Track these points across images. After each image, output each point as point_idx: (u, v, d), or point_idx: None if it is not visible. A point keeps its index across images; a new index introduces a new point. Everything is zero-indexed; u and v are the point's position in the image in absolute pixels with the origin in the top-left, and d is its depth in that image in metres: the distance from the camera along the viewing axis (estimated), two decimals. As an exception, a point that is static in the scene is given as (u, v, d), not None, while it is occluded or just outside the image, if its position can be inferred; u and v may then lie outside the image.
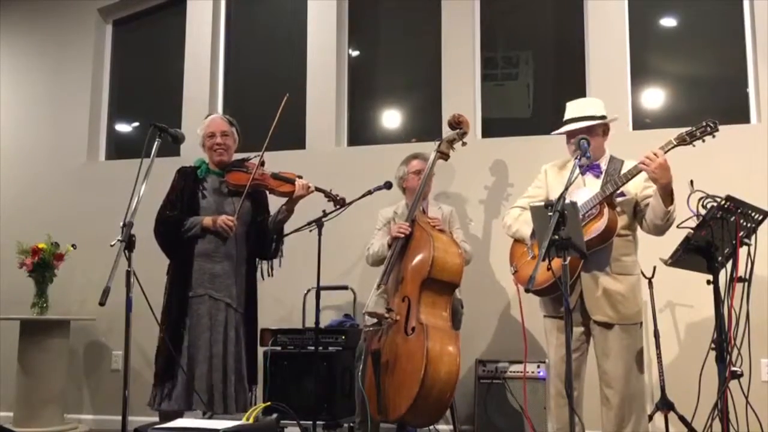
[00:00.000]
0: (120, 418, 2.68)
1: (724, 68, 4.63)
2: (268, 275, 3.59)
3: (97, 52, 5.66)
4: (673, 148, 2.86)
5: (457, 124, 3.91)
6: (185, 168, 3.59)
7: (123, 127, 5.83)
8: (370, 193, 3.97)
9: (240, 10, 5.57)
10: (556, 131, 3.21)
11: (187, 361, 3.29)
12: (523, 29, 5.13)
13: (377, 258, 3.89)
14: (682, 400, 3.59)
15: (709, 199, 2.71)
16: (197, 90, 5.34)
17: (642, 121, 4.66)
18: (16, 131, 5.65)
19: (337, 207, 3.68)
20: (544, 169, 3.34)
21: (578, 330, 3.05)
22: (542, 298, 3.14)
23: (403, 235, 3.63)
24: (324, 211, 3.70)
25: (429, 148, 3.99)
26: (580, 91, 4.60)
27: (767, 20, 4.36)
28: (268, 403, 2.72)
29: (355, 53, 5.30)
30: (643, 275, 3.23)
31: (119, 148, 5.72)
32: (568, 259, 2.52)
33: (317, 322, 3.69)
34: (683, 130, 2.88)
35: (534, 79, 5.01)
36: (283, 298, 4.62)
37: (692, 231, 2.74)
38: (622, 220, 3.01)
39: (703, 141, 2.85)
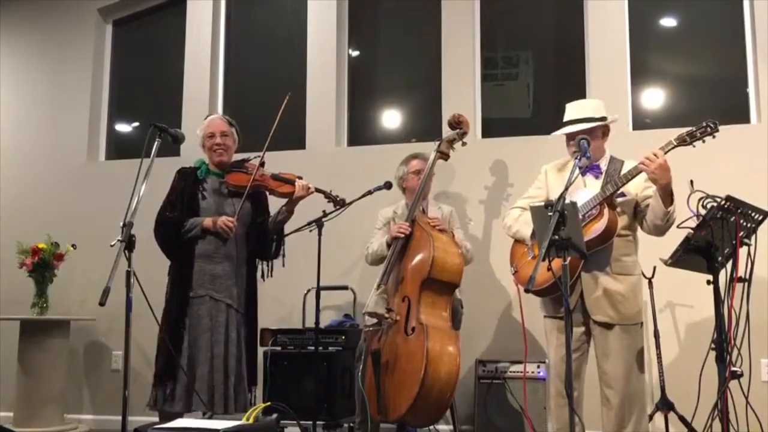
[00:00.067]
0: (120, 418, 2.68)
1: (724, 68, 4.63)
2: (268, 276, 3.59)
3: (97, 52, 5.66)
4: (673, 148, 2.86)
5: (457, 124, 3.91)
6: (185, 169, 3.59)
7: (123, 127, 5.83)
8: (370, 193, 3.97)
9: (240, 10, 5.57)
10: (555, 133, 3.21)
11: (187, 362, 3.29)
12: (523, 29, 5.13)
13: (376, 257, 3.89)
14: (682, 400, 3.59)
15: (709, 199, 2.71)
16: (197, 90, 5.34)
17: (642, 121, 4.66)
18: (16, 131, 5.65)
19: (337, 207, 3.68)
20: (544, 170, 3.35)
21: (578, 330, 3.05)
22: (542, 298, 3.14)
23: (403, 235, 3.63)
24: (324, 211, 3.71)
25: (429, 148, 3.99)
26: (580, 91, 4.60)
27: (767, 20, 4.36)
28: (268, 403, 2.71)
29: (355, 53, 5.30)
30: (643, 275, 3.23)
31: (119, 148, 5.72)
32: (569, 259, 2.53)
33: (317, 322, 3.70)
34: (683, 130, 2.88)
35: (534, 79, 5.01)
36: (283, 298, 4.62)
37: (692, 231, 2.74)
38: (622, 221, 3.01)
39: (704, 141, 2.86)
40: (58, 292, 4.91)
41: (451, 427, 4.13)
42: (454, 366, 3.23)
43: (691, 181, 2.79)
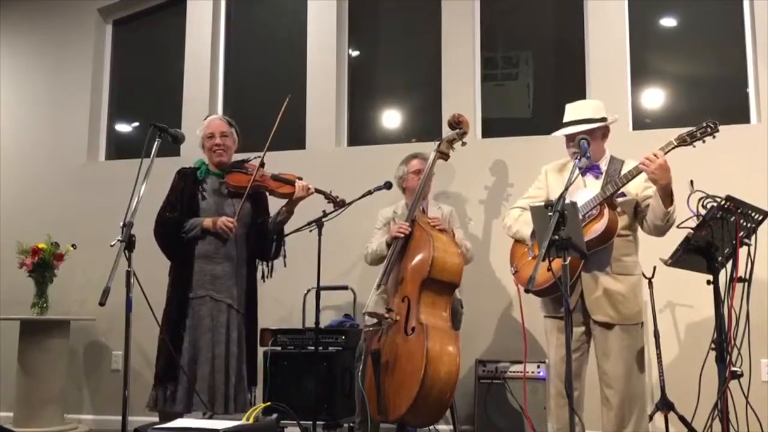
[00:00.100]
0: (120, 418, 2.68)
1: (724, 68, 4.63)
2: (268, 277, 3.59)
3: (97, 52, 5.66)
4: (673, 148, 2.86)
5: (456, 124, 3.91)
6: (185, 169, 3.59)
7: (123, 127, 5.83)
8: (370, 193, 3.97)
9: (240, 10, 5.57)
10: (554, 134, 3.21)
11: (188, 363, 3.29)
12: (523, 29, 5.13)
13: (376, 257, 3.89)
14: (682, 400, 3.59)
15: (709, 199, 2.71)
16: (197, 90, 5.34)
17: (642, 121, 4.66)
18: (16, 131, 5.65)
19: (337, 208, 3.69)
20: (544, 170, 3.35)
21: (579, 330, 3.05)
22: (542, 298, 3.14)
23: (402, 235, 3.63)
24: (324, 211, 3.71)
25: (429, 148, 3.99)
26: (580, 91, 4.60)
27: (767, 20, 4.36)
28: (268, 403, 2.71)
29: (355, 53, 5.30)
30: (644, 275, 3.23)
31: (119, 148, 5.72)
32: (569, 259, 2.53)
33: (317, 322, 3.70)
34: (684, 130, 2.88)
35: (534, 79, 5.01)
36: (283, 299, 4.62)
37: (692, 231, 2.74)
38: (622, 221, 3.01)
39: (704, 142, 2.86)
40: (58, 292, 4.90)
41: (451, 427, 4.13)
42: (454, 366, 3.23)
43: (691, 181, 2.79)
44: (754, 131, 4.29)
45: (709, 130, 2.84)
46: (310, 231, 3.74)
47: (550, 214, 2.51)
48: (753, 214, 2.73)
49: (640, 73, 4.64)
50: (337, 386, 4.09)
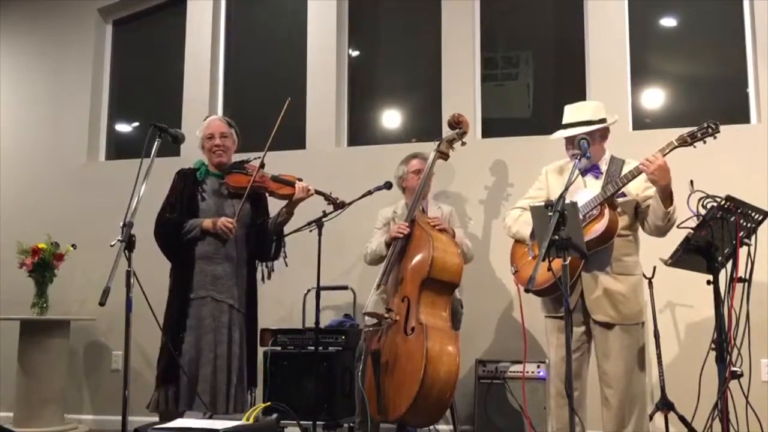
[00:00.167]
0: (120, 418, 2.68)
1: (724, 68, 4.63)
2: (267, 278, 3.59)
3: (97, 52, 5.66)
4: (674, 149, 2.87)
5: (456, 123, 3.91)
6: (185, 170, 3.59)
7: (123, 127, 5.83)
8: (370, 193, 3.97)
9: (240, 10, 5.57)
10: (553, 136, 3.20)
11: (189, 363, 3.29)
12: (523, 29, 5.13)
13: (375, 256, 3.89)
14: (682, 400, 3.59)
15: (709, 199, 2.71)
16: (197, 90, 5.34)
17: (642, 121, 4.66)
18: (16, 131, 5.65)
19: (337, 209, 3.69)
20: (544, 171, 3.35)
21: (579, 330, 3.05)
22: (543, 298, 3.14)
23: (402, 235, 3.63)
24: (324, 211, 3.71)
25: (429, 148, 3.99)
26: (580, 91, 4.60)
27: (767, 20, 4.36)
28: (268, 403, 2.71)
29: (355, 53, 5.30)
30: (644, 275, 3.23)
31: (119, 148, 5.72)
32: (569, 259, 2.53)
33: (317, 322, 3.70)
34: (684, 130, 2.88)
35: (534, 79, 5.01)
36: (283, 299, 4.62)
37: (692, 231, 2.74)
38: (622, 221, 3.01)
39: (704, 142, 2.86)
40: (58, 292, 4.90)
41: (451, 427, 4.13)
42: (454, 366, 3.24)
43: (691, 181, 2.79)
44: (754, 131, 4.29)
45: (710, 130, 2.84)
46: (310, 231, 3.74)
47: (550, 214, 2.51)
48: (753, 214, 2.73)
49: (640, 73, 4.64)
50: (337, 386, 4.10)
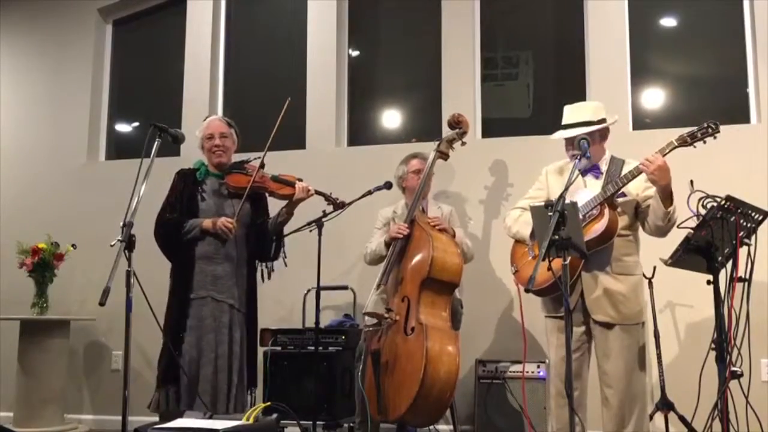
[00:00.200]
0: (120, 418, 2.68)
1: (724, 68, 4.63)
2: (267, 278, 3.59)
3: (97, 52, 5.66)
4: (674, 149, 2.87)
5: (456, 123, 3.92)
6: (184, 170, 3.59)
7: (123, 127, 5.83)
8: (370, 193, 3.98)
9: (240, 10, 5.57)
10: (553, 137, 3.20)
11: (189, 363, 3.29)
12: (523, 29, 5.13)
13: (375, 257, 3.89)
14: (682, 400, 3.59)
15: (709, 199, 2.71)
16: (197, 90, 5.34)
17: (642, 121, 4.66)
18: (16, 131, 5.65)
19: (337, 209, 3.69)
20: (545, 171, 3.35)
21: (579, 330, 3.05)
22: (543, 298, 3.14)
23: (401, 236, 3.63)
24: (324, 211, 3.71)
25: (429, 148, 3.99)
26: (580, 91, 4.60)
27: (767, 20, 4.36)
28: (268, 403, 2.71)
29: (355, 53, 5.30)
30: (644, 275, 3.24)
31: (119, 148, 5.72)
32: (569, 259, 2.53)
33: (317, 322, 3.70)
34: (684, 130, 2.88)
35: (534, 79, 5.01)
36: (283, 298, 4.62)
37: (692, 231, 2.74)
38: (622, 221, 3.01)
39: (704, 142, 2.86)
40: (58, 292, 4.90)
41: (451, 427, 4.13)
42: (454, 366, 3.24)
43: (691, 181, 2.79)
44: (754, 131, 4.29)
45: (710, 130, 2.84)
46: (310, 231, 3.74)
47: (550, 214, 2.51)
48: (753, 214, 2.73)
49: (640, 73, 4.64)
50: (337, 386, 4.10)
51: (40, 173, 5.49)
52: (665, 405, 3.68)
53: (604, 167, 3.13)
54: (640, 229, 3.11)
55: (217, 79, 5.42)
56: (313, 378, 3.97)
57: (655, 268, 3.63)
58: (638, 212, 3.07)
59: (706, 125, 2.84)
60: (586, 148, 2.88)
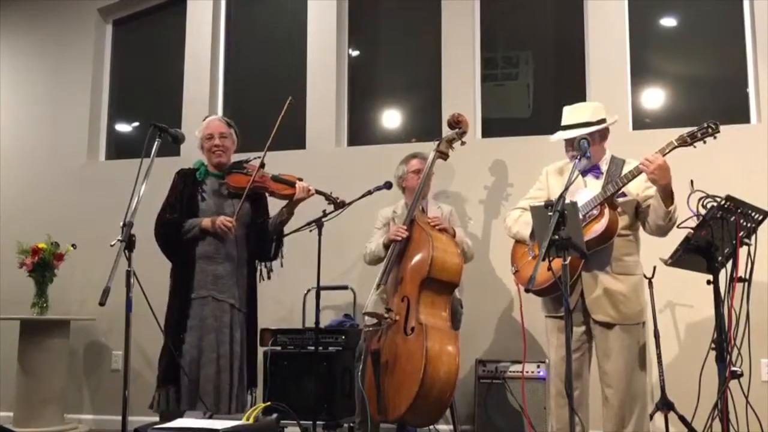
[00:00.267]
0: (120, 418, 2.68)
1: (724, 68, 4.63)
2: (267, 278, 3.59)
3: (97, 52, 5.66)
4: (674, 149, 2.87)
5: (456, 123, 3.92)
6: (184, 170, 3.59)
7: (123, 127, 5.83)
8: (370, 193, 3.98)
9: (240, 10, 5.57)
10: (553, 138, 3.20)
11: (189, 364, 3.29)
12: (523, 29, 5.13)
13: (374, 257, 3.89)
14: (682, 400, 3.59)
15: (709, 199, 2.71)
16: (197, 90, 5.34)
17: (642, 121, 4.66)
18: (16, 131, 5.65)
19: (337, 209, 3.69)
20: (545, 171, 3.35)
21: (579, 330, 3.05)
22: (543, 298, 3.14)
23: (400, 239, 3.63)
24: (324, 211, 3.71)
25: (429, 148, 3.99)
26: (580, 91, 4.60)
27: (767, 20, 4.36)
28: (268, 403, 2.71)
29: (355, 53, 5.30)
30: (644, 275, 3.24)
31: (119, 148, 5.72)
32: (569, 259, 2.53)
33: (317, 322, 3.70)
34: (684, 130, 2.88)
35: (534, 79, 5.01)
36: (283, 298, 4.62)
37: (692, 231, 2.74)
38: (623, 221, 3.01)
39: (704, 142, 2.86)
40: (58, 292, 4.90)
41: (451, 427, 4.13)
42: (454, 365, 3.24)
43: (692, 181, 2.79)
44: (754, 131, 4.29)
45: (710, 130, 2.84)
46: (310, 231, 3.74)
47: (550, 214, 2.51)
48: (753, 214, 2.73)
49: (640, 73, 4.64)
50: (337, 386, 4.10)
51: (40, 173, 5.49)
52: (665, 405, 3.68)
53: (604, 167, 3.13)
54: (641, 228, 3.11)
55: (217, 79, 5.42)
56: (313, 378, 3.97)
57: (655, 267, 3.62)
58: (638, 212, 3.07)
59: (706, 125, 2.84)
60: (586, 148, 2.87)
